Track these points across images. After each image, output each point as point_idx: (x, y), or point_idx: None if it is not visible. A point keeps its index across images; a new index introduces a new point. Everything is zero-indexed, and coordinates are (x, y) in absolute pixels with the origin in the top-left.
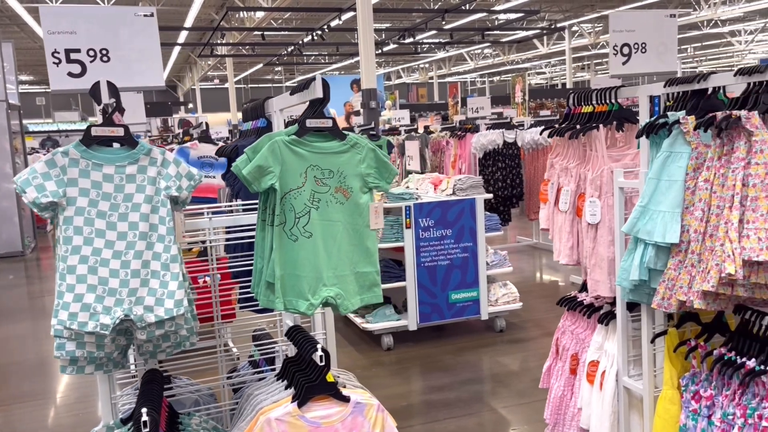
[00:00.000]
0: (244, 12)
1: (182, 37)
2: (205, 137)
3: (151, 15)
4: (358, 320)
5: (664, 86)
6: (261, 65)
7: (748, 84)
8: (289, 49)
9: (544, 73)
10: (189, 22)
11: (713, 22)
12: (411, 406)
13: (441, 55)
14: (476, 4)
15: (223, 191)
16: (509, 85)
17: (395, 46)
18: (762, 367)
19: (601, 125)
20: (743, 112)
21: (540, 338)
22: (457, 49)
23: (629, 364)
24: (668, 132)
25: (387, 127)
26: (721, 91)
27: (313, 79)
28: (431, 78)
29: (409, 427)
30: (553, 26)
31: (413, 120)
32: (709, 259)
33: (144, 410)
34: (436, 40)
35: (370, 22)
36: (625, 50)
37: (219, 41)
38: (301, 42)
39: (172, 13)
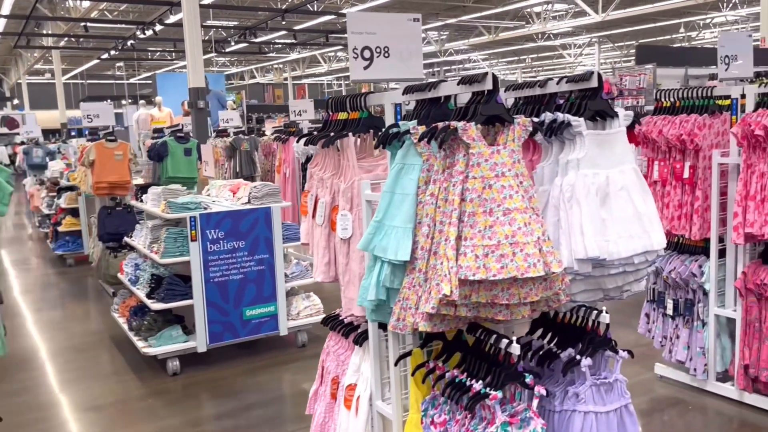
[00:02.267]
0: (71, 1)
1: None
2: None
3: None
4: (140, 344)
5: (403, 94)
6: (97, 60)
7: (473, 93)
8: (128, 43)
9: None
10: (6, 9)
11: (547, 35)
12: None
13: (294, 56)
14: (324, 6)
15: None
16: (358, 88)
17: (245, 44)
18: (487, 389)
19: (350, 133)
20: (461, 123)
21: None
22: (310, 50)
23: (383, 387)
24: (401, 143)
25: (221, 127)
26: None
27: None
28: (286, 79)
29: None
30: None
31: (261, 121)
32: (433, 278)
33: None
34: (288, 41)
35: (196, 17)
36: (367, 54)
37: (44, 32)
38: (133, 36)
39: None
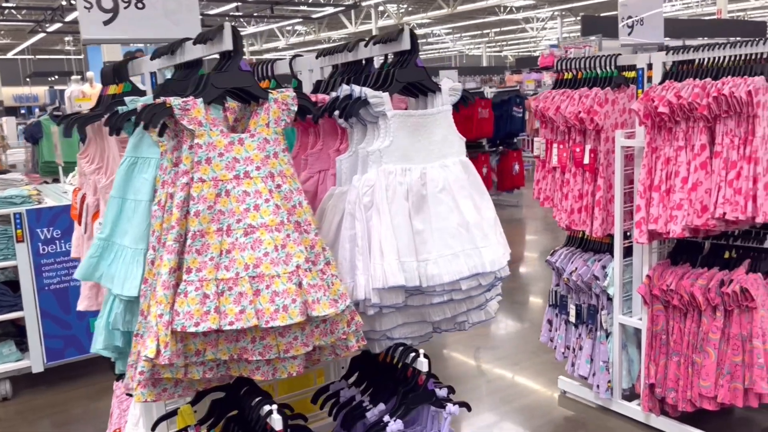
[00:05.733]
0: None
1: None
2: None
3: None
4: None
5: (151, 59)
6: (43, 34)
7: (220, 57)
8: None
9: None
10: None
11: (509, 8)
12: None
13: (251, 30)
14: None
15: None
16: None
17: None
18: None
19: (105, 114)
20: (179, 100)
21: None
22: (267, 24)
23: None
24: (134, 127)
25: None
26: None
27: None
28: (245, 54)
29: None
30: (357, 4)
31: None
32: (148, 327)
33: None
34: (238, 13)
35: None
36: (107, 4)
37: None
38: (61, 7)
39: None
